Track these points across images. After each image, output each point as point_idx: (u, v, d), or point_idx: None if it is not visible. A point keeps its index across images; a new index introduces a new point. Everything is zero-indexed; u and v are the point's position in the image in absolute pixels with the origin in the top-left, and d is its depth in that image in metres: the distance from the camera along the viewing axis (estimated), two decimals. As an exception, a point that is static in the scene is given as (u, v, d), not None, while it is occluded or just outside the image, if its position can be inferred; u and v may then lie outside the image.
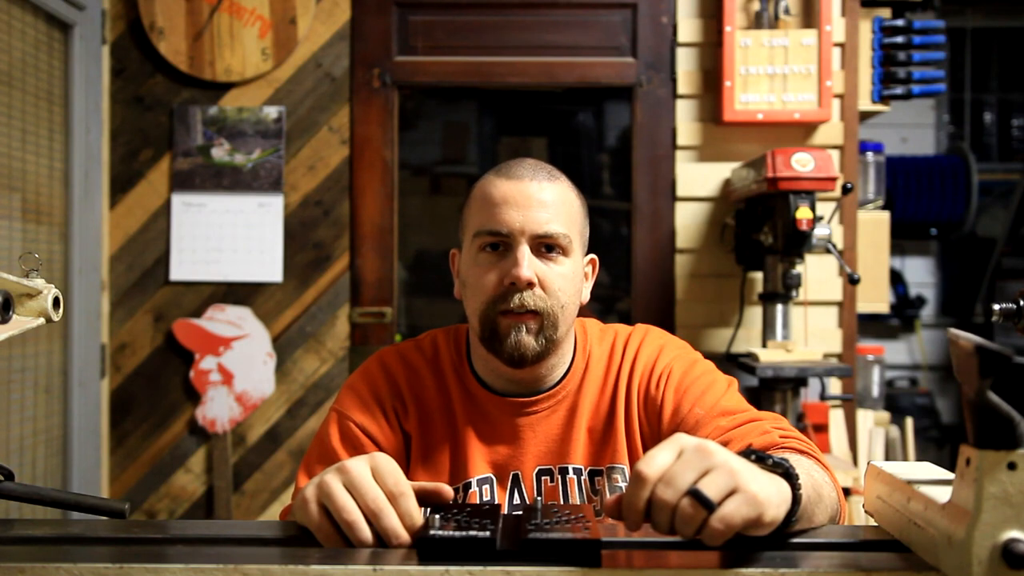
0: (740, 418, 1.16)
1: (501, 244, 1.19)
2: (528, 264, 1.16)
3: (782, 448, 1.08)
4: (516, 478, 1.23)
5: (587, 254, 1.29)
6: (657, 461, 0.76)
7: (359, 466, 0.86)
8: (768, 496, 0.76)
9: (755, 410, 1.20)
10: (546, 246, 1.19)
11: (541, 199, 1.18)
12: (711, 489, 0.74)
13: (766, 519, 0.76)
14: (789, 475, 0.82)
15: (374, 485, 0.84)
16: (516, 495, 1.22)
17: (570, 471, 1.22)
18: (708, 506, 0.73)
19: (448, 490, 0.90)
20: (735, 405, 1.20)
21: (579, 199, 1.25)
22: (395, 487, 0.85)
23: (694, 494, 0.73)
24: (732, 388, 1.24)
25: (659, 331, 1.32)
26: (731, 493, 0.74)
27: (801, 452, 1.07)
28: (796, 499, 0.82)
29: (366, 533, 0.83)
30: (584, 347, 1.29)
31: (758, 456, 0.83)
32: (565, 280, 1.20)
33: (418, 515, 0.84)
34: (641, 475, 0.76)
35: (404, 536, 0.83)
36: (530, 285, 1.17)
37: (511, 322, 1.17)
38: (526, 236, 1.17)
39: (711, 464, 0.75)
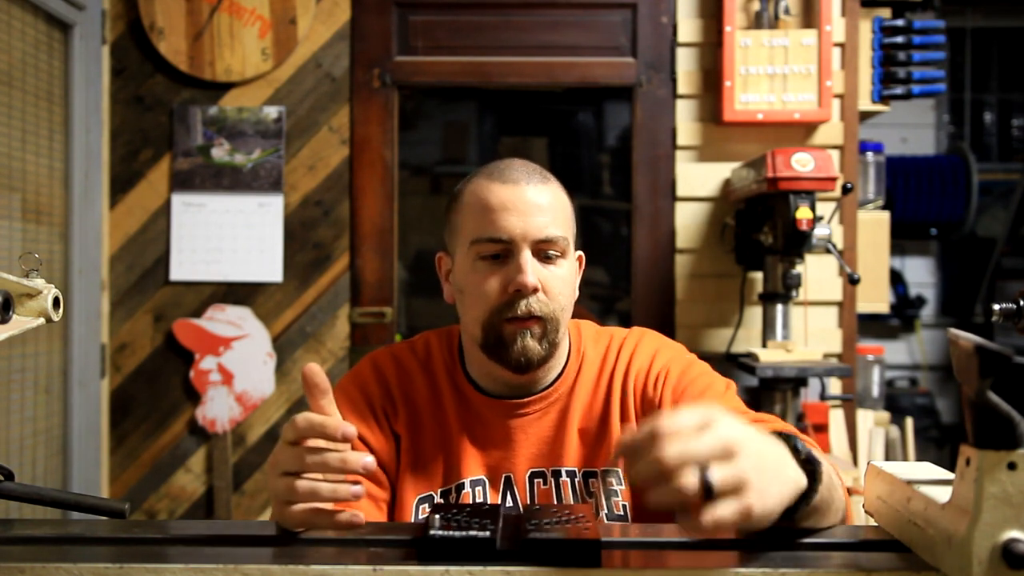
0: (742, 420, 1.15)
1: (501, 251, 1.18)
2: (532, 270, 1.16)
3: None
4: (508, 480, 1.22)
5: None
6: (680, 419, 0.73)
7: (287, 450, 0.88)
8: (766, 510, 0.74)
9: (754, 412, 1.19)
10: (546, 251, 1.18)
11: (539, 203, 1.17)
12: (717, 476, 0.70)
13: (753, 529, 0.76)
14: (813, 475, 0.83)
15: (306, 455, 0.86)
16: (509, 497, 1.21)
17: (563, 474, 1.21)
18: (708, 491, 0.69)
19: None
20: (734, 407, 1.19)
21: (568, 198, 1.26)
22: (321, 431, 0.86)
23: (701, 471, 0.69)
24: (730, 391, 1.24)
25: (655, 334, 1.32)
26: (734, 491, 0.71)
27: None
28: (808, 496, 0.83)
29: (338, 492, 0.85)
30: (578, 349, 1.28)
31: (793, 446, 0.83)
32: (564, 283, 1.20)
33: (337, 422, 0.86)
34: (658, 429, 0.72)
35: (347, 488, 0.85)
36: (535, 291, 1.16)
37: (516, 328, 1.17)
38: (527, 242, 1.16)
39: (732, 454, 0.72)
